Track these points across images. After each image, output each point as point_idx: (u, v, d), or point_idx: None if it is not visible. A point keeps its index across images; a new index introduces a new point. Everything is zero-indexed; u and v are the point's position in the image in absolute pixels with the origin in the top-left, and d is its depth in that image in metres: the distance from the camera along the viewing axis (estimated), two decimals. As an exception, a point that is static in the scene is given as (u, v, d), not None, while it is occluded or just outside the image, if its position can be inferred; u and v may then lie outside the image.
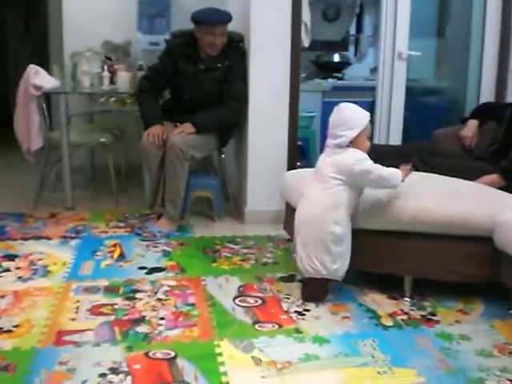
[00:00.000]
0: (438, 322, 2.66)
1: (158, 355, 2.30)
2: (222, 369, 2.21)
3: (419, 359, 2.31)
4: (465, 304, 2.84)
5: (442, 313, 2.75)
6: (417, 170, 3.20)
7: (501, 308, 2.79)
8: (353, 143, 2.73)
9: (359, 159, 2.70)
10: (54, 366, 2.19)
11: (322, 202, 2.72)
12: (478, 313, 2.77)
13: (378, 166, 2.71)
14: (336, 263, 2.71)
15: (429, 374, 2.21)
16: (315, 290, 2.80)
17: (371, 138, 3.09)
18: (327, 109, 4.69)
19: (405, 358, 2.32)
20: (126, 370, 2.18)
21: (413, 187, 2.88)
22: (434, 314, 2.73)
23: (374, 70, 4.97)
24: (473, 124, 3.69)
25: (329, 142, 2.79)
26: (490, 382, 2.17)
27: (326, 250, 2.70)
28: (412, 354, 2.35)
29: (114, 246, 3.54)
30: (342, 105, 2.80)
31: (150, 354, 2.30)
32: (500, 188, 3.10)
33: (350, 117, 2.75)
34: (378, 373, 2.22)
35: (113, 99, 4.77)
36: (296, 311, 2.72)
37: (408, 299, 2.86)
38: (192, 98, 3.97)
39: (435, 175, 3.14)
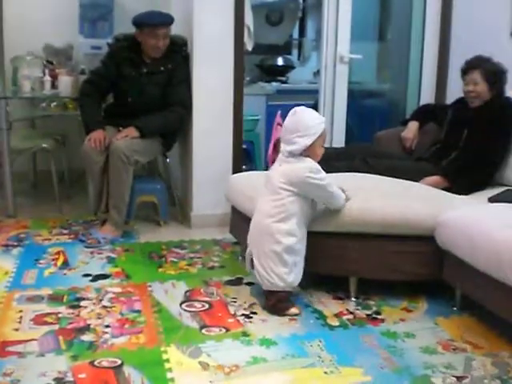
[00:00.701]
0: (383, 320, 2.70)
1: (104, 363, 2.26)
2: (169, 375, 2.19)
3: (365, 358, 2.34)
4: (409, 302, 2.89)
5: (386, 311, 2.79)
6: (360, 171, 3.26)
7: (444, 305, 2.85)
8: (307, 151, 2.64)
9: (313, 172, 2.63)
10: (-3, 378, 2.14)
11: (273, 214, 2.65)
12: (422, 310, 2.82)
13: (330, 182, 2.68)
14: (291, 274, 2.67)
15: (375, 373, 2.24)
16: (277, 303, 2.72)
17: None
18: (271, 112, 4.75)
19: (351, 357, 2.35)
20: (72, 379, 2.15)
21: (356, 189, 2.92)
22: (379, 313, 2.77)
23: (317, 73, 5.02)
24: (413, 125, 3.76)
25: (282, 147, 2.70)
26: (435, 379, 2.21)
27: (281, 262, 2.64)
28: (358, 353, 2.38)
29: (58, 253, 3.48)
30: (298, 109, 2.67)
31: (96, 363, 2.27)
32: (443, 189, 3.18)
33: (305, 123, 2.63)
34: (325, 373, 2.24)
35: (54, 104, 4.69)
36: (243, 314, 2.73)
37: (353, 299, 2.90)
38: (135, 102, 3.93)
39: (378, 176, 3.20)
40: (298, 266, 2.70)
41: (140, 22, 3.85)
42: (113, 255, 3.48)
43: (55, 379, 2.14)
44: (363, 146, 3.97)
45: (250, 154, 5.03)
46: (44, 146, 4.36)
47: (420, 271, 2.87)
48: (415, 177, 3.21)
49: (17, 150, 4.33)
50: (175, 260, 3.43)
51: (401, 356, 2.38)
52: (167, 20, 3.88)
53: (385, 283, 2.93)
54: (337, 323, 2.65)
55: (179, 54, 3.99)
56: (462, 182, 3.22)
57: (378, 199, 2.88)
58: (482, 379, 2.21)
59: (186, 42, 4.03)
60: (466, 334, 2.58)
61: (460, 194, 3.13)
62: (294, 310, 2.73)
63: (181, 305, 2.82)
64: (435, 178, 3.25)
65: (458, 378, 2.22)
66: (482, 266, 2.49)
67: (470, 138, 3.34)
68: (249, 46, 4.16)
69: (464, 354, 2.41)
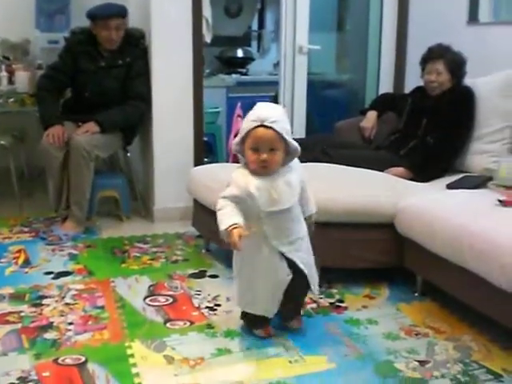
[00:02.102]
0: (346, 308, 2.73)
1: (68, 361, 2.25)
2: (134, 370, 2.19)
3: (329, 346, 2.37)
4: (371, 289, 2.93)
5: (349, 299, 2.82)
6: (320, 161, 3.28)
7: (406, 291, 2.89)
8: (244, 157, 2.27)
9: (229, 184, 2.28)
10: (-42, 380, 2.10)
11: None
12: (384, 297, 2.86)
13: (221, 202, 2.23)
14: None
15: (339, 360, 2.27)
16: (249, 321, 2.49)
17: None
18: (232, 104, 4.75)
19: (315, 345, 2.37)
20: (36, 378, 2.13)
21: (317, 179, 2.93)
22: (342, 301, 2.80)
23: (277, 64, 5.03)
24: (372, 115, 3.80)
25: None
26: (398, 364, 2.24)
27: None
28: (322, 341, 2.40)
29: (19, 251, 3.42)
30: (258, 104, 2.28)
31: (60, 361, 2.25)
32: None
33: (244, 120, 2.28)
34: (290, 362, 2.26)
35: (12, 100, 4.58)
36: (207, 307, 2.73)
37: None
38: (93, 96, 3.89)
39: (338, 166, 3.22)
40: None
41: (93, 14, 3.82)
42: (75, 252, 3.44)
43: (19, 378, 2.12)
44: (323, 137, 3.99)
45: (211, 146, 5.03)
46: (2, 142, 4.27)
47: (382, 259, 2.91)
48: (375, 166, 3.24)
49: (-27, 148, 4.25)
50: (138, 255, 3.41)
51: (364, 343, 2.41)
52: (120, 11, 3.84)
53: (347, 271, 2.96)
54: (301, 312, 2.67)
55: (137, 46, 3.96)
56: (426, 171, 3.26)
57: (339, 189, 2.90)
58: (444, 363, 2.25)
59: (144, 35, 4.00)
60: (427, 319, 2.62)
61: (422, 182, 3.17)
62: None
63: (145, 299, 2.80)
64: (400, 170, 3.27)
65: (421, 363, 2.25)
66: (442, 252, 2.53)
67: (430, 127, 3.38)
68: (207, 38, 4.15)
69: (426, 338, 2.45)
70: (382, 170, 3.24)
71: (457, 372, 2.19)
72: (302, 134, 4.33)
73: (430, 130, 3.37)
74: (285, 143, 2.19)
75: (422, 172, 3.26)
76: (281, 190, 2.22)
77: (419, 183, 3.17)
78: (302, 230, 2.37)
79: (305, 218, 2.38)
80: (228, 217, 2.16)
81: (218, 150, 5.09)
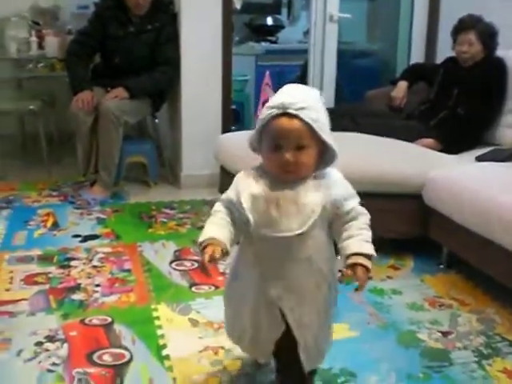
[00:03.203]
0: (370, 278, 2.71)
1: (95, 321, 2.29)
2: (159, 332, 2.22)
3: (352, 314, 2.37)
4: (396, 260, 2.92)
5: (374, 269, 2.73)
6: (349, 130, 3.26)
7: (431, 263, 2.88)
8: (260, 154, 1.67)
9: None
10: (-12, 338, 2.15)
11: None
12: (409, 268, 2.85)
13: (215, 206, 1.68)
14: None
15: (362, 329, 2.28)
16: None
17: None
18: (260, 72, 4.72)
19: (338, 313, 2.34)
20: (63, 337, 2.17)
21: (345, 147, 2.91)
22: (366, 271, 2.80)
23: (307, 33, 4.98)
24: (402, 85, 3.75)
25: None
26: (421, 334, 2.25)
27: None
28: (345, 309, 2.39)
29: (47, 215, 3.48)
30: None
31: (86, 321, 2.29)
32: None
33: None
34: (313, 329, 2.27)
35: (41, 65, 4.64)
36: (232, 273, 2.75)
37: (339, 257, 2.91)
38: (123, 62, 3.89)
39: (367, 135, 3.20)
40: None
41: None
42: (102, 216, 3.48)
43: (46, 337, 2.17)
44: (353, 106, 3.97)
45: (239, 114, 5.02)
46: (31, 107, 4.31)
47: (408, 230, 2.90)
48: (404, 136, 3.22)
49: (4, 112, 4.30)
50: (165, 220, 3.44)
51: (387, 312, 2.41)
52: None
53: (372, 241, 2.95)
54: (325, 281, 2.68)
55: (166, 12, 3.94)
56: (456, 143, 3.23)
57: (366, 158, 2.89)
58: (467, 335, 2.25)
59: (173, 1, 3.98)
60: (452, 291, 2.61)
61: (451, 154, 3.14)
62: None
63: (170, 264, 2.84)
64: (429, 141, 3.24)
65: (444, 334, 2.26)
66: (469, 224, 2.51)
67: (461, 98, 3.33)
68: (237, 5, 4.13)
69: (450, 310, 2.45)
70: (411, 141, 3.21)
71: (479, 344, 2.19)
72: (330, 103, 4.30)
73: (460, 101, 3.33)
74: (318, 140, 1.55)
75: (452, 143, 3.23)
76: (286, 206, 1.57)
77: (448, 155, 3.14)
78: (322, 283, 1.67)
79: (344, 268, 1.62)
80: (209, 228, 1.62)
81: (245, 119, 5.08)
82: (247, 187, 1.62)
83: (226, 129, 3.98)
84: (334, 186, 1.60)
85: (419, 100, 3.66)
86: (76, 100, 3.73)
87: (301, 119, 1.52)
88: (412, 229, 2.90)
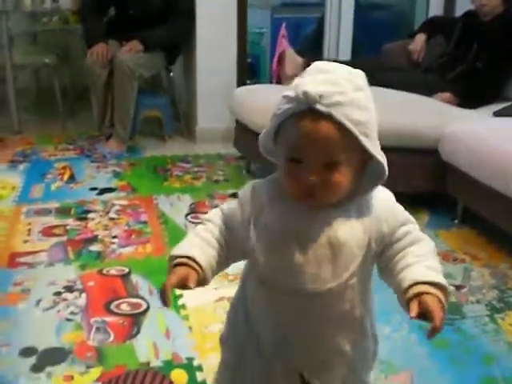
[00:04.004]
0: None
1: (112, 272, 2.33)
2: (175, 282, 2.25)
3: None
4: (410, 214, 2.91)
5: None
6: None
7: (446, 218, 2.88)
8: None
9: None
10: (8, 288, 2.19)
11: None
12: (424, 223, 2.85)
13: (208, 214, 1.26)
14: None
15: (375, 280, 2.25)
16: None
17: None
18: (276, 26, 4.65)
19: None
20: (81, 287, 2.21)
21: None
22: (381, 225, 2.81)
23: (324, -16, 4.89)
24: (420, 38, 3.70)
25: None
26: (433, 288, 2.27)
27: None
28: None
29: (64, 168, 3.51)
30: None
31: (104, 271, 2.33)
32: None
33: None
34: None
35: (56, 18, 4.61)
36: (248, 226, 2.77)
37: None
38: (137, 14, 3.86)
39: (384, 89, 3.16)
40: None
41: None
42: (118, 169, 3.51)
43: (65, 287, 2.20)
44: (370, 59, 3.92)
45: (254, 68, 4.98)
46: (46, 61, 4.31)
47: (423, 184, 2.90)
48: (421, 90, 3.19)
49: (19, 66, 4.30)
50: (180, 174, 3.46)
51: (401, 265, 2.42)
52: None
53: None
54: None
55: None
56: (473, 97, 3.19)
57: (382, 111, 2.85)
58: (480, 289, 2.26)
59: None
60: (465, 245, 2.62)
61: (469, 108, 3.11)
62: None
63: (186, 216, 2.86)
64: (447, 95, 3.21)
65: (457, 287, 2.27)
66: (486, 179, 2.50)
67: (480, 52, 3.28)
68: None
69: (463, 264, 2.45)
70: (428, 95, 3.18)
71: (492, 298, 2.20)
72: (347, 56, 4.26)
73: (479, 55, 3.28)
74: (360, 150, 1.05)
75: (470, 98, 3.19)
76: (314, 246, 1.09)
77: (466, 109, 3.10)
78: (361, 340, 1.20)
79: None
80: (191, 241, 1.18)
81: (261, 72, 5.04)
82: (259, 210, 1.14)
83: (241, 82, 3.95)
84: (381, 214, 1.11)
85: (437, 53, 3.61)
86: (91, 53, 3.72)
87: (335, 121, 1.00)
88: (428, 183, 2.89)
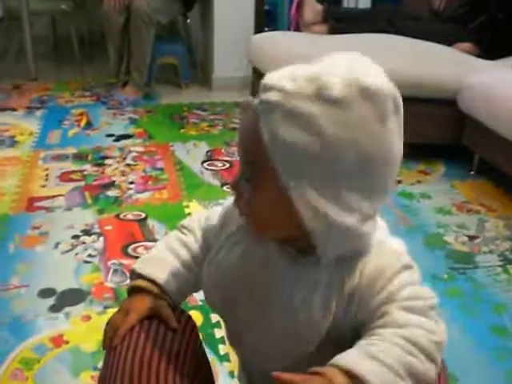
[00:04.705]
0: (400, 181, 2.74)
1: (129, 216, 2.36)
2: (191, 228, 2.28)
3: (380, 216, 2.39)
4: (427, 165, 2.92)
5: (404, 173, 2.82)
6: (385, 33, 3.18)
7: (462, 169, 2.88)
8: None
9: None
10: (27, 231, 2.23)
11: None
12: (440, 173, 2.86)
13: (187, 224, 1.08)
14: None
15: (389, 230, 2.30)
16: None
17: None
18: (295, -29, 4.55)
19: None
20: (98, 231, 2.24)
21: (380, 49, 2.86)
22: (396, 175, 2.81)
23: None
24: (442, -14, 3.63)
25: None
26: (447, 237, 2.28)
27: None
28: (374, 211, 2.44)
29: (81, 114, 3.52)
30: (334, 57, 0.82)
31: (121, 216, 2.36)
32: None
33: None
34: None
35: (73, -37, 4.56)
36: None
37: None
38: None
39: (403, 38, 3.12)
40: None
41: None
42: (135, 116, 3.51)
43: (83, 231, 2.24)
44: (390, 8, 3.84)
45: (272, 15, 4.90)
46: (63, 7, 4.28)
47: (440, 135, 2.88)
48: (441, 39, 3.13)
49: (36, 13, 4.28)
50: (196, 121, 3.46)
51: (415, 215, 2.44)
52: None
53: (404, 145, 2.94)
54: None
55: None
56: (494, 48, 3.14)
57: (401, 61, 2.83)
58: (493, 240, 2.27)
59: None
60: (481, 196, 2.62)
61: (489, 59, 3.06)
62: None
63: (202, 163, 2.88)
64: (467, 45, 3.16)
65: (470, 238, 2.28)
66: (504, 130, 2.48)
67: (502, 2, 3.21)
68: None
69: (477, 215, 2.46)
70: (448, 44, 3.13)
71: (505, 249, 2.21)
72: (367, 4, 4.18)
73: (501, 4, 3.21)
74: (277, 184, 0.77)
75: (490, 49, 3.14)
76: (260, 301, 0.87)
77: (486, 60, 3.06)
78: None
79: None
80: (159, 257, 1.00)
81: (279, 20, 4.96)
82: (223, 239, 0.94)
83: (258, 30, 3.90)
84: (364, 274, 0.83)
85: (458, 3, 3.54)
86: (107, -1, 3.69)
87: (259, 113, 0.76)
88: (445, 134, 2.88)
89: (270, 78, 0.76)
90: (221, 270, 0.90)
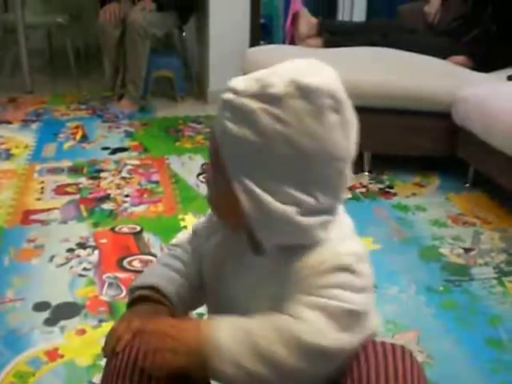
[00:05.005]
0: (395, 194, 2.75)
1: (124, 230, 2.35)
2: (186, 241, 2.28)
3: (376, 229, 2.40)
4: (422, 178, 2.93)
5: (399, 186, 2.83)
6: (380, 46, 3.20)
7: (457, 182, 2.88)
8: None
9: None
10: (22, 244, 2.23)
11: None
12: (435, 186, 2.86)
13: (176, 241, 1.13)
14: None
15: (384, 242, 2.31)
16: None
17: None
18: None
19: (362, 227, 2.34)
20: (93, 244, 2.24)
21: (375, 62, 2.88)
22: (391, 187, 2.82)
23: None
24: (436, 0, 3.65)
25: None
26: (443, 250, 2.27)
27: None
28: (369, 224, 2.44)
29: (76, 127, 3.52)
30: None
31: (116, 229, 2.36)
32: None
33: None
34: (337, 242, 2.31)
35: (68, -23, 4.58)
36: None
37: (367, 173, 2.93)
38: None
39: (397, 51, 3.14)
40: None
41: None
42: (130, 129, 3.52)
43: (78, 244, 2.24)
44: (385, 21, 3.87)
45: (268, 28, 4.92)
46: (59, 20, 4.30)
47: (435, 147, 2.89)
48: (435, 52, 3.15)
49: (32, 26, 4.29)
50: (192, 134, 3.47)
51: (410, 227, 2.44)
52: None
53: (399, 159, 2.95)
54: (349, 196, 2.70)
55: None
56: (488, 60, 3.16)
57: (396, 73, 2.85)
58: (489, 252, 2.27)
59: None
60: (476, 209, 2.62)
61: (483, 72, 3.08)
62: None
63: (198, 176, 2.88)
64: (461, 58, 3.18)
65: (466, 250, 2.28)
66: (498, 143, 2.49)
67: (496, 14, 3.23)
68: None
69: (473, 227, 2.46)
70: (442, 57, 3.15)
71: (500, 261, 2.20)
72: (361, 18, 4.21)
73: (495, 17, 3.23)
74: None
75: (484, 61, 3.15)
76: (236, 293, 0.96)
77: (480, 73, 3.08)
78: None
79: None
80: (152, 270, 1.07)
81: (274, 33, 4.98)
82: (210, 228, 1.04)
83: (254, 43, 3.92)
84: (303, 266, 0.87)
85: (453, 15, 3.56)
86: (103, 12, 3.72)
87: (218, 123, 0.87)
88: (439, 146, 2.88)
89: (231, 81, 0.86)
90: (203, 256, 1.01)
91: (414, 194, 2.75)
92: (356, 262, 0.88)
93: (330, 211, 0.89)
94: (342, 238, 0.90)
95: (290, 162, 0.82)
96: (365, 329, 0.89)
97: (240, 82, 0.85)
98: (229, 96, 0.84)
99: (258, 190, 0.83)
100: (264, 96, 0.82)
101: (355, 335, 0.86)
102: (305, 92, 0.81)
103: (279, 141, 0.81)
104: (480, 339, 1.78)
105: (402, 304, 1.93)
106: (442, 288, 2.03)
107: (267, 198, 0.83)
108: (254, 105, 0.82)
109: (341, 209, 0.95)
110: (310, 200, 0.84)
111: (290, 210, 0.83)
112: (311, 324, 0.83)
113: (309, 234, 0.86)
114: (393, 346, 0.91)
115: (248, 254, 0.93)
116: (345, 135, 0.85)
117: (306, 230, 0.85)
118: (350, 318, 0.85)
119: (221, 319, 0.85)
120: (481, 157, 2.69)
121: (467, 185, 2.84)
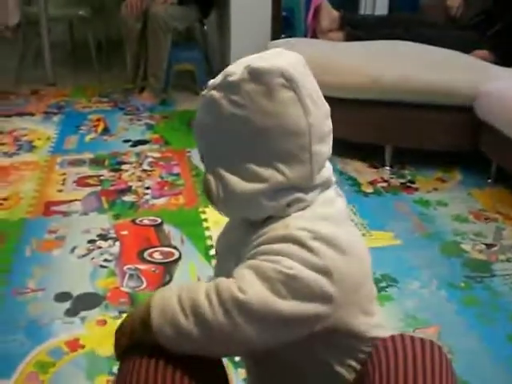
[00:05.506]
0: (416, 189, 2.73)
1: (145, 222, 2.37)
2: (207, 233, 2.28)
3: (397, 223, 2.39)
4: (444, 173, 2.90)
5: (420, 181, 2.81)
6: (402, 39, 3.18)
7: (479, 177, 2.85)
8: None
9: None
10: (43, 235, 2.25)
11: None
12: (457, 181, 2.84)
13: None
14: None
15: (406, 237, 2.30)
16: None
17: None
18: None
19: (383, 222, 2.40)
20: (114, 236, 2.26)
21: (397, 56, 2.86)
22: (413, 182, 2.80)
23: None
24: (460, -7, 3.62)
25: None
26: (464, 245, 2.26)
27: None
28: (390, 218, 2.43)
29: (98, 120, 3.54)
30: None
31: (137, 221, 2.37)
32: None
33: None
34: (357, 236, 2.30)
35: (90, -31, 4.59)
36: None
37: (388, 168, 2.92)
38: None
39: (420, 45, 3.11)
40: None
41: None
42: (152, 122, 3.53)
43: (99, 235, 2.25)
44: (407, 15, 3.83)
45: (289, 22, 4.90)
46: (81, 13, 4.32)
47: (457, 142, 2.86)
48: (458, 47, 3.12)
49: (54, 19, 4.31)
50: (213, 128, 3.47)
51: (432, 223, 2.42)
52: None
53: (421, 154, 2.93)
54: (371, 190, 2.69)
55: None
56: (511, 56, 3.12)
57: (418, 67, 2.83)
58: (510, 248, 2.25)
59: None
60: (498, 204, 2.59)
61: (506, 67, 3.05)
62: None
63: (218, 169, 2.88)
64: (484, 52, 3.15)
65: (488, 246, 2.26)
66: (521, 138, 2.47)
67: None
68: None
69: (495, 223, 2.44)
70: (465, 52, 3.12)
71: (523, 257, 2.19)
72: (384, 11, 4.17)
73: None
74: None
75: (507, 55, 3.12)
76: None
77: (503, 67, 3.04)
78: None
79: None
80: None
81: (296, 26, 4.96)
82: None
83: (275, 36, 3.91)
84: (266, 237, 0.91)
85: (476, 10, 3.52)
86: (125, 5, 3.73)
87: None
88: (462, 141, 2.85)
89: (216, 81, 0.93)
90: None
91: (435, 189, 2.73)
92: (311, 239, 0.87)
93: (301, 189, 0.91)
94: (309, 217, 0.91)
95: (250, 141, 0.89)
96: (322, 311, 0.86)
97: (216, 78, 0.93)
98: (203, 92, 0.94)
99: (225, 172, 0.91)
100: (224, 85, 0.90)
101: (292, 304, 0.84)
102: (256, 74, 0.87)
103: (238, 123, 0.89)
104: (502, 335, 1.77)
105: (422, 299, 1.92)
106: (463, 284, 2.02)
107: (233, 178, 0.90)
108: (217, 95, 0.90)
109: (333, 192, 0.98)
110: (277, 176, 0.89)
111: (256, 187, 0.89)
112: (241, 279, 0.85)
113: (279, 209, 0.91)
114: (421, 339, 0.94)
115: (236, 231, 1.00)
116: (304, 111, 0.89)
117: (277, 206, 0.91)
118: (288, 283, 0.84)
119: (174, 285, 0.91)
120: (504, 152, 2.66)
121: (489, 180, 2.82)
